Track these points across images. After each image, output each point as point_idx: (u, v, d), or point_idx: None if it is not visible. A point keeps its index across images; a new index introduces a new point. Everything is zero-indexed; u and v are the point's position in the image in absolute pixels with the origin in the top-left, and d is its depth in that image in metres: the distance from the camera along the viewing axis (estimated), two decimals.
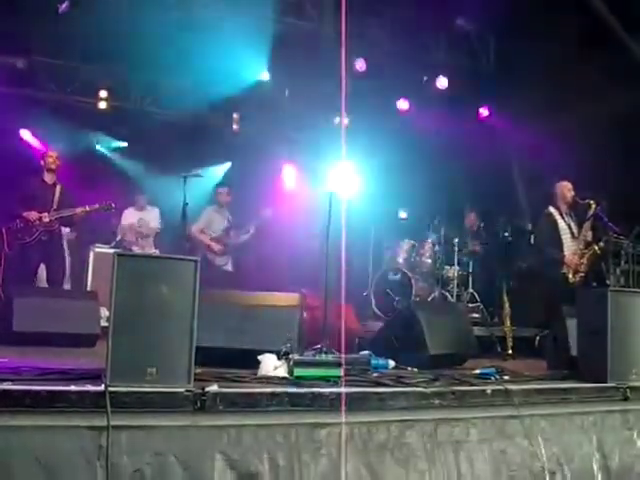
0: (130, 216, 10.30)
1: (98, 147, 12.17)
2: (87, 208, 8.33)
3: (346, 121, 13.44)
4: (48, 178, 8.35)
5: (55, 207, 8.19)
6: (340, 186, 6.51)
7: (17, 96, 10.51)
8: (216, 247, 9.34)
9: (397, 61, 11.57)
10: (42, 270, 8.28)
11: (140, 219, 10.26)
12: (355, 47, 11.21)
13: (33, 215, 8.01)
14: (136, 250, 9.73)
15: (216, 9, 10.07)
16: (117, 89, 11.55)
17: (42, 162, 8.40)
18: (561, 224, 8.23)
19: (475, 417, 4.43)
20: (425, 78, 12.07)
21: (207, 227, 9.45)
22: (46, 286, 8.17)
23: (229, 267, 9.57)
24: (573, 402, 4.88)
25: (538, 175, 10.60)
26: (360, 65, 11.23)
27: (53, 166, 8.34)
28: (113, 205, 8.57)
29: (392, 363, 5.49)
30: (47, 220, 8.07)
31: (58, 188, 8.33)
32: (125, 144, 12.37)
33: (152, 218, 10.33)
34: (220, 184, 9.73)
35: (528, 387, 4.85)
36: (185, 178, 8.26)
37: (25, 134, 11.16)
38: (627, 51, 9.83)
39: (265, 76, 11.65)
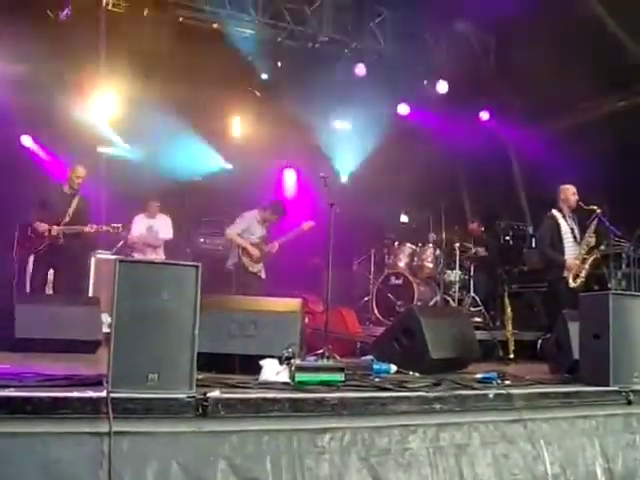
0: (140, 223, 10.15)
1: (100, 149, 12.15)
2: (94, 229, 8.32)
3: (346, 125, 13.52)
4: (67, 189, 8.38)
5: (67, 220, 8.17)
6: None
7: (18, 102, 10.51)
8: (254, 252, 9.13)
9: (397, 65, 11.59)
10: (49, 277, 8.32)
11: (150, 227, 10.15)
12: (355, 51, 11.26)
13: (43, 227, 8.03)
14: (137, 256, 9.69)
15: (217, 14, 10.08)
16: (118, 94, 11.55)
17: (69, 173, 8.44)
18: (564, 227, 8.22)
19: (477, 421, 4.43)
20: (425, 82, 12.06)
21: (244, 232, 9.23)
22: (51, 292, 8.19)
23: (262, 274, 9.35)
24: (575, 406, 4.88)
25: (539, 178, 10.61)
26: (360, 70, 11.23)
27: (73, 183, 8.34)
28: (121, 228, 8.57)
29: (394, 368, 5.50)
30: (55, 234, 8.08)
31: (76, 200, 8.33)
32: (128, 148, 12.36)
33: (162, 227, 10.15)
34: (279, 207, 9.47)
35: (530, 391, 4.85)
36: (186, 183, 8.26)
37: (26, 140, 11.16)
38: (626, 53, 9.85)
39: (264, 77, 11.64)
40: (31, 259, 8.16)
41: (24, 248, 8.09)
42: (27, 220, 8.11)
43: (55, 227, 8.09)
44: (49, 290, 8.30)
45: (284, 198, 12.22)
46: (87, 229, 8.27)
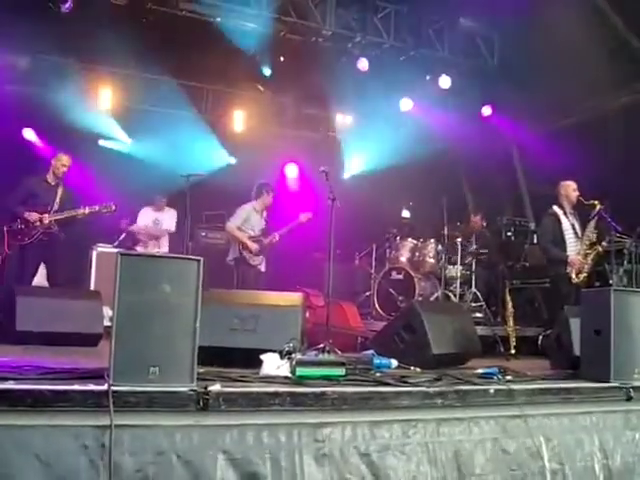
0: (146, 215, 10.20)
1: (101, 143, 12.14)
2: (87, 210, 8.30)
3: (349, 120, 13.51)
4: (51, 179, 8.35)
5: (56, 208, 8.18)
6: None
7: (20, 95, 10.51)
8: (253, 246, 9.14)
9: (400, 60, 11.56)
10: (41, 270, 8.29)
11: (156, 219, 10.18)
12: (358, 46, 11.23)
13: (34, 217, 8.01)
14: (139, 249, 9.71)
15: (219, 7, 10.06)
16: (120, 88, 11.56)
17: (52, 161, 8.41)
18: (565, 224, 8.22)
19: (478, 417, 4.43)
20: (428, 77, 12.04)
21: (243, 225, 9.25)
22: (45, 286, 8.17)
23: (262, 268, 9.37)
24: (576, 402, 4.89)
25: (541, 174, 10.60)
26: (362, 64, 11.21)
27: (59, 172, 8.33)
28: (114, 207, 8.51)
29: (395, 362, 5.50)
30: (47, 222, 8.07)
31: (60, 189, 8.33)
32: (129, 142, 12.36)
33: (166, 220, 10.22)
34: (268, 186, 9.48)
35: (531, 387, 4.85)
36: (188, 177, 8.22)
37: (28, 133, 11.15)
38: (630, 50, 9.83)
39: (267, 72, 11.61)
40: (17, 250, 8.08)
41: (16, 239, 8.05)
42: (15, 213, 8.08)
43: (46, 215, 8.09)
44: (43, 283, 8.29)
45: (286, 192, 12.23)
46: (80, 211, 8.26)
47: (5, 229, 8.03)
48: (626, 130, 9.59)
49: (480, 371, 5.20)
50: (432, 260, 10.16)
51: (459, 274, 9.91)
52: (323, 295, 8.19)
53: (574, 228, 8.23)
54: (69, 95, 11.15)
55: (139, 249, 9.80)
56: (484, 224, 10.50)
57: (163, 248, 10.09)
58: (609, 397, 4.99)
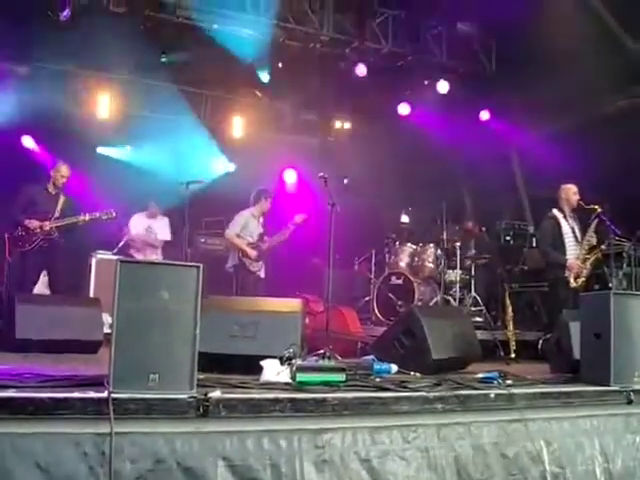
0: (138, 222, 10.17)
1: (100, 150, 12.15)
2: (87, 217, 8.34)
3: (347, 125, 13.54)
4: (52, 188, 8.41)
5: (57, 215, 8.22)
6: None
7: (19, 102, 10.53)
8: (252, 253, 9.15)
9: (398, 65, 11.58)
10: (42, 277, 8.31)
11: (149, 227, 10.16)
12: (356, 51, 11.25)
13: (34, 224, 8.06)
14: (138, 257, 9.70)
15: (217, 13, 10.07)
16: (118, 94, 11.56)
17: (51, 172, 8.46)
18: (564, 227, 8.22)
19: (478, 421, 4.43)
20: (426, 82, 12.05)
21: (242, 232, 9.25)
22: (46, 293, 8.19)
23: (262, 274, 9.37)
24: (576, 406, 4.88)
25: (540, 177, 10.61)
26: (360, 70, 11.23)
27: (59, 183, 8.38)
28: (114, 213, 8.54)
29: (395, 368, 5.50)
30: (47, 229, 8.11)
31: (62, 199, 8.38)
32: (127, 149, 12.37)
33: (161, 228, 10.21)
34: (266, 192, 9.48)
35: (531, 391, 4.85)
36: (187, 184, 8.24)
37: (27, 140, 11.16)
38: (627, 52, 9.84)
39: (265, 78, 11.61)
40: (18, 257, 8.14)
41: (16, 246, 8.09)
42: (16, 221, 8.13)
43: (47, 223, 8.13)
44: (44, 290, 8.31)
45: (285, 198, 12.23)
46: (81, 218, 8.30)
47: (6, 236, 8.08)
48: (625, 133, 9.59)
49: (480, 375, 5.20)
50: (431, 265, 10.14)
51: (458, 278, 9.91)
52: (323, 301, 8.19)
53: (574, 232, 8.23)
54: (68, 102, 11.16)
55: (137, 256, 9.79)
56: (483, 229, 10.50)
57: (158, 256, 10.08)
58: (609, 401, 5.00)
